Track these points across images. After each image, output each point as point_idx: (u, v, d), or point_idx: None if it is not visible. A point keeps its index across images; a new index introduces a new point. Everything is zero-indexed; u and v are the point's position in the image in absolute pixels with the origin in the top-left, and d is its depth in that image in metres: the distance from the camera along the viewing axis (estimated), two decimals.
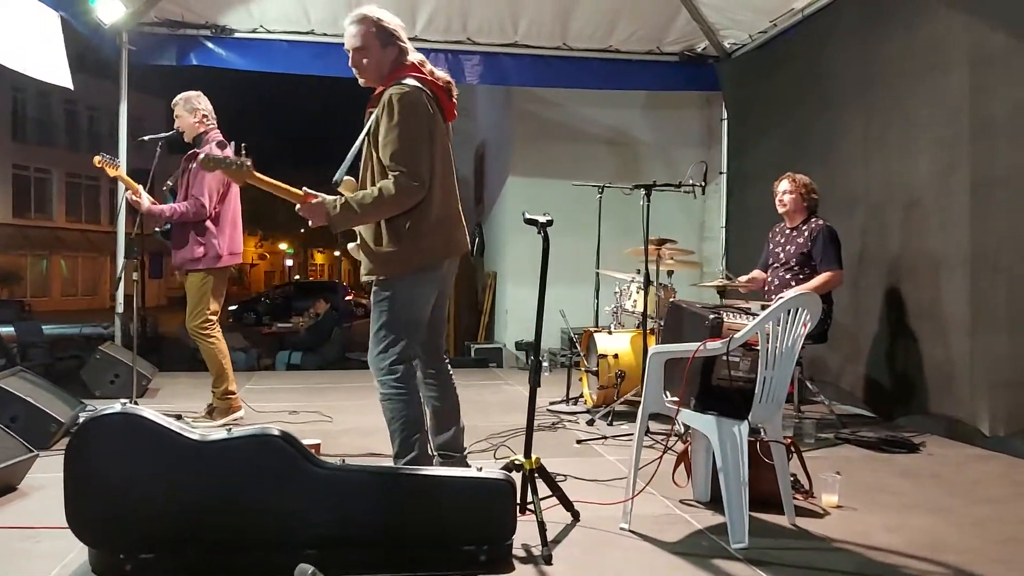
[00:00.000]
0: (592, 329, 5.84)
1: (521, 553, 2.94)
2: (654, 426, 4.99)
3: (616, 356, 5.48)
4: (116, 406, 2.77)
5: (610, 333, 5.68)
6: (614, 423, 5.30)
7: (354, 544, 2.74)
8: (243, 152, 3.31)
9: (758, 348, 3.10)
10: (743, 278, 5.54)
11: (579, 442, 4.83)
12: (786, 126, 7.08)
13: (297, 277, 48.49)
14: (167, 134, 5.23)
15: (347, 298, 28.64)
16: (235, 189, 5.22)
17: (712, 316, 3.16)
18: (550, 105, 9.46)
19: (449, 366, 3.74)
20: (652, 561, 2.95)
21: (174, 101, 5.17)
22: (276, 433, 2.70)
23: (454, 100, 3.54)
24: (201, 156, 3.31)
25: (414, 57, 3.44)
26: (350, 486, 2.74)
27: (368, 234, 3.41)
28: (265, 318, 23.58)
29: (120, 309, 7.46)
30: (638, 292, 5.53)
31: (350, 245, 3.56)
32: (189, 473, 2.66)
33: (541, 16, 7.50)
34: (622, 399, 5.40)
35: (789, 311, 3.10)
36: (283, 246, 50.18)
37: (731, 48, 7.93)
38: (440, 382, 3.65)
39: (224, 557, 2.68)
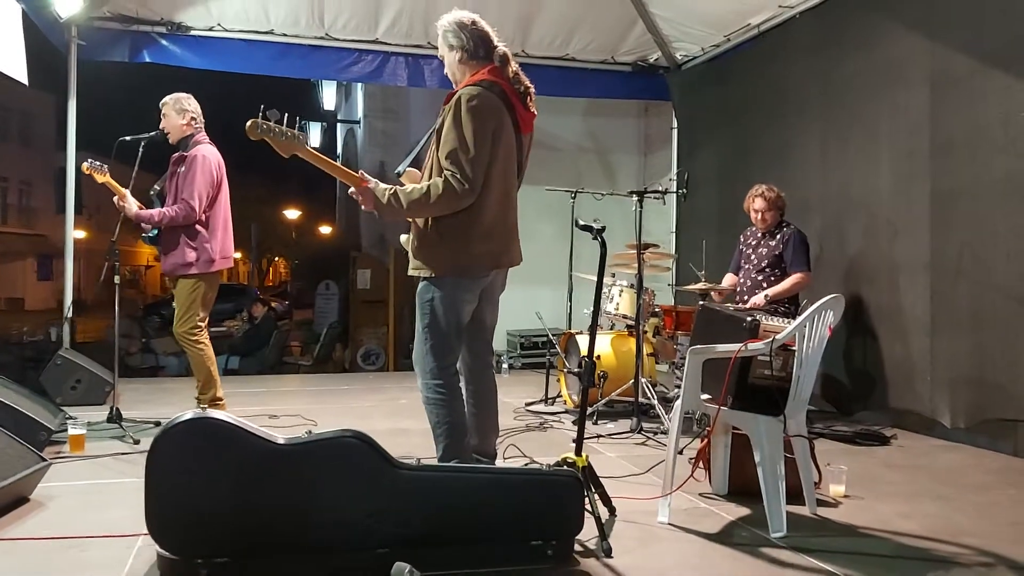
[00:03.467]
0: (573, 331, 5.97)
1: (577, 548, 3.04)
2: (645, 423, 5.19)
3: (599, 357, 5.62)
4: (189, 413, 2.72)
5: None
6: (599, 422, 5.46)
7: (428, 543, 2.79)
8: (296, 124, 3.22)
9: (792, 348, 3.30)
10: (722, 285, 5.75)
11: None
12: (738, 135, 7.39)
13: None
14: (150, 134, 5.10)
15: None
16: (225, 191, 5.12)
17: (749, 319, 3.33)
18: None
19: (494, 373, 3.78)
20: (705, 551, 3.10)
21: (163, 101, 5.05)
22: (356, 434, 2.73)
23: (532, 110, 3.52)
24: (249, 123, 3.14)
25: (500, 50, 3.46)
26: (429, 486, 2.79)
27: (418, 231, 3.43)
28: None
29: (68, 314, 7.17)
30: (620, 295, 5.70)
31: (402, 237, 3.61)
32: (271, 476, 2.66)
33: (503, 23, 7.52)
34: (606, 399, 5.55)
35: (821, 313, 3.31)
36: None
37: (682, 60, 8.21)
38: (485, 387, 3.69)
39: (300, 559, 2.70)
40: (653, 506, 3.52)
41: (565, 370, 5.97)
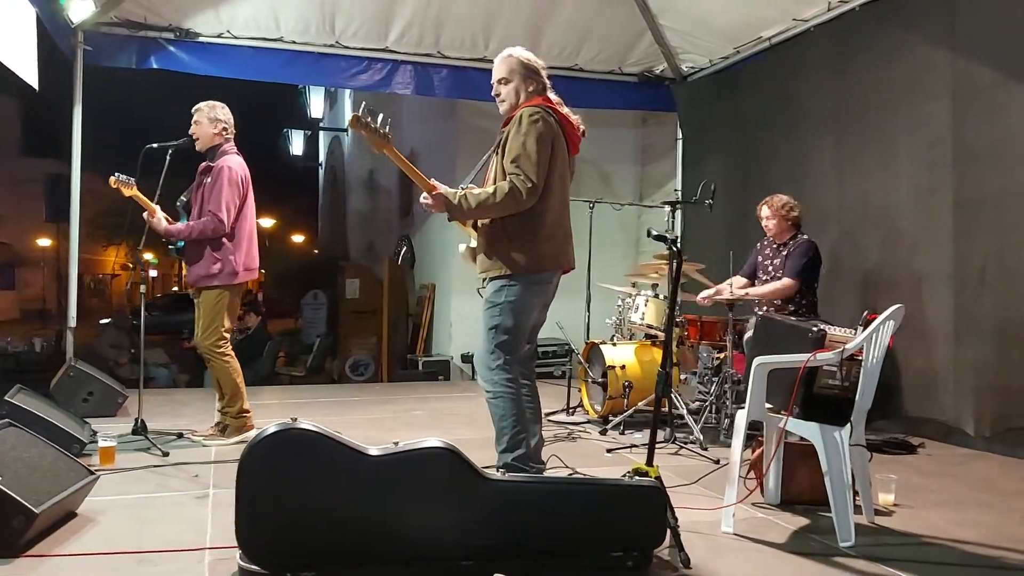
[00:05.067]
0: (596, 340, 5.96)
1: None
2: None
3: (623, 367, 5.63)
4: (273, 426, 2.67)
5: (614, 344, 5.83)
6: (625, 432, 5.46)
7: (511, 554, 2.77)
8: (387, 123, 3.46)
9: (858, 358, 3.32)
10: (723, 285, 5.69)
11: (609, 451, 4.95)
12: (747, 147, 7.45)
13: (175, 288, 46.17)
14: (177, 141, 5.00)
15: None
16: (251, 203, 5.06)
17: (815, 329, 3.36)
18: (497, 119, 9.56)
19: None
20: (779, 561, 3.11)
21: (196, 107, 4.97)
22: (447, 446, 2.71)
23: (580, 135, 3.79)
24: (351, 116, 3.40)
25: (552, 97, 3.75)
26: (516, 497, 2.77)
27: (486, 234, 3.63)
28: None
29: (72, 324, 7.02)
30: (645, 304, 5.71)
31: (461, 247, 3.80)
32: (363, 487, 2.62)
33: (513, 33, 7.58)
34: (632, 408, 5.55)
35: (886, 323, 3.34)
36: (149, 256, 47.76)
37: (688, 71, 8.27)
38: (529, 391, 3.73)
39: (386, 570, 2.67)
40: (709, 516, 3.53)
41: (589, 379, 5.97)
